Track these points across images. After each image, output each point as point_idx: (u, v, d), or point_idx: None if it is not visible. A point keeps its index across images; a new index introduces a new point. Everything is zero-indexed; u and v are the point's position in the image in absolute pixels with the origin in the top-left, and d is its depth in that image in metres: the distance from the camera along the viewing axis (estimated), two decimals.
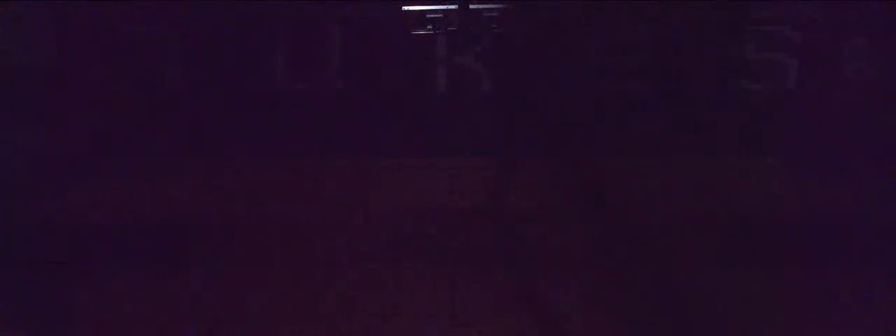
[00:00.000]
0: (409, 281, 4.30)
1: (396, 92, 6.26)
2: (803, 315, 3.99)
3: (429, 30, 6.08)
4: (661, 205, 5.14)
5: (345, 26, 6.21)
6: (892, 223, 4.94)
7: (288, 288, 4.26)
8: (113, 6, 6.14)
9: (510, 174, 5.72)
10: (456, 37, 6.12)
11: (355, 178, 5.63)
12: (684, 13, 6.00)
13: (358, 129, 6.17)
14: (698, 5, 5.97)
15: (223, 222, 4.97)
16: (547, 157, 5.90)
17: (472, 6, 6.05)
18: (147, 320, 3.96)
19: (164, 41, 6.21)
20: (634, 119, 6.02)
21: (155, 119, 6.20)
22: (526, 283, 4.33)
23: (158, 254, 4.63)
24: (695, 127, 5.91)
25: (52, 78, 6.13)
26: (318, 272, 4.40)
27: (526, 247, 4.74)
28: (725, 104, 6.07)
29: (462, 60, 6.21)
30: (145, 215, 5.08)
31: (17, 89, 5.95)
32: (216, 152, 5.99)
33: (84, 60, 6.21)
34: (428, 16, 6.10)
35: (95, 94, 6.19)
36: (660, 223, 4.92)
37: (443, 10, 6.09)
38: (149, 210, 5.16)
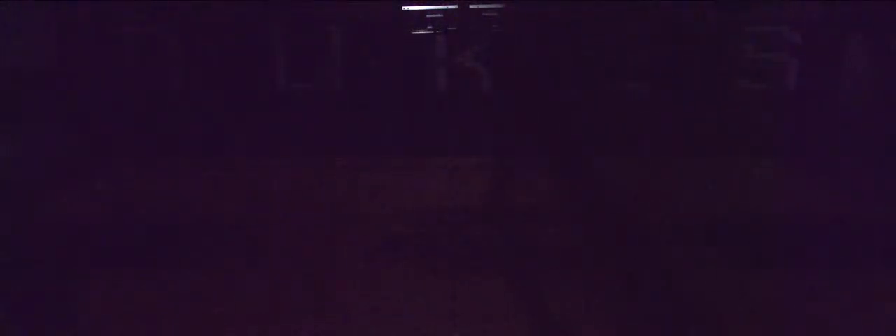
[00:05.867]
0: (409, 282, 4.30)
1: (396, 92, 6.25)
2: (804, 315, 3.99)
3: (429, 30, 6.07)
4: (661, 205, 5.14)
5: (345, 26, 6.19)
6: (892, 223, 4.94)
7: (285, 288, 4.26)
8: (113, 6, 6.13)
9: (510, 174, 5.72)
10: (456, 37, 6.11)
11: (354, 178, 5.62)
12: (684, 13, 5.99)
13: (357, 129, 6.16)
14: (698, 5, 5.96)
15: (219, 222, 4.97)
16: (547, 157, 5.89)
17: (472, 6, 6.04)
18: (146, 320, 3.96)
19: (164, 41, 6.19)
20: (634, 119, 6.01)
21: (154, 119, 6.19)
22: (526, 283, 4.33)
23: (155, 253, 4.64)
24: (695, 127, 5.91)
25: (52, 78, 6.12)
26: (316, 272, 4.40)
27: (526, 247, 4.74)
28: (725, 104, 6.07)
29: (462, 60, 6.19)
30: (143, 215, 5.09)
31: (17, 89, 5.94)
32: (215, 152, 5.99)
33: (84, 60, 6.20)
34: (428, 16, 6.08)
35: (95, 94, 6.18)
36: (661, 223, 4.92)
37: (443, 10, 6.08)
38: (146, 210, 5.16)
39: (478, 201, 5.21)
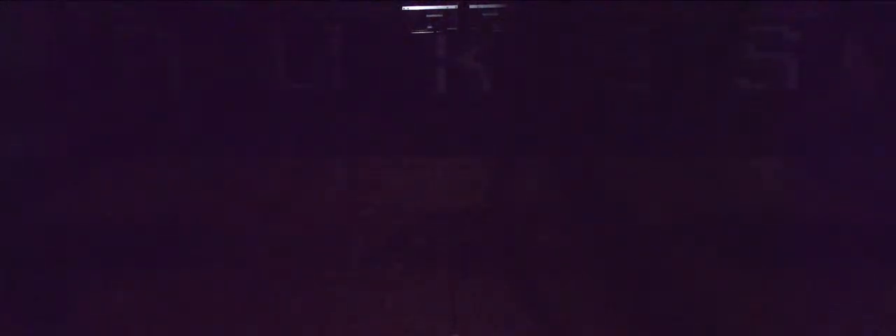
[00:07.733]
0: (409, 282, 4.30)
1: (396, 92, 6.25)
2: (804, 316, 3.99)
3: (429, 30, 6.07)
4: (661, 205, 5.14)
5: (345, 26, 6.19)
6: (892, 223, 4.94)
7: (284, 289, 4.26)
8: (113, 6, 6.13)
9: (510, 174, 5.72)
10: (456, 37, 6.11)
11: (354, 178, 5.63)
12: (684, 13, 6.00)
13: (357, 129, 6.16)
14: (698, 5, 5.96)
15: (219, 222, 4.97)
16: (547, 157, 5.90)
17: (472, 6, 6.04)
18: (146, 321, 3.96)
19: (163, 41, 6.20)
20: (634, 119, 6.01)
21: (153, 118, 6.19)
22: (526, 284, 4.33)
23: (155, 254, 4.64)
24: (694, 127, 5.91)
25: (51, 78, 6.13)
26: (316, 273, 4.40)
27: (526, 247, 4.74)
28: (725, 104, 6.07)
29: (462, 60, 6.19)
30: (143, 215, 5.09)
31: (16, 89, 5.95)
32: (214, 152, 5.99)
33: (83, 60, 6.20)
34: (428, 16, 6.09)
35: (94, 93, 6.19)
36: (660, 224, 4.92)
37: (443, 10, 6.08)
38: (146, 210, 5.16)
39: (478, 201, 5.21)
